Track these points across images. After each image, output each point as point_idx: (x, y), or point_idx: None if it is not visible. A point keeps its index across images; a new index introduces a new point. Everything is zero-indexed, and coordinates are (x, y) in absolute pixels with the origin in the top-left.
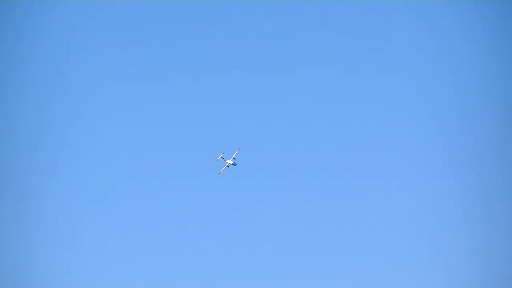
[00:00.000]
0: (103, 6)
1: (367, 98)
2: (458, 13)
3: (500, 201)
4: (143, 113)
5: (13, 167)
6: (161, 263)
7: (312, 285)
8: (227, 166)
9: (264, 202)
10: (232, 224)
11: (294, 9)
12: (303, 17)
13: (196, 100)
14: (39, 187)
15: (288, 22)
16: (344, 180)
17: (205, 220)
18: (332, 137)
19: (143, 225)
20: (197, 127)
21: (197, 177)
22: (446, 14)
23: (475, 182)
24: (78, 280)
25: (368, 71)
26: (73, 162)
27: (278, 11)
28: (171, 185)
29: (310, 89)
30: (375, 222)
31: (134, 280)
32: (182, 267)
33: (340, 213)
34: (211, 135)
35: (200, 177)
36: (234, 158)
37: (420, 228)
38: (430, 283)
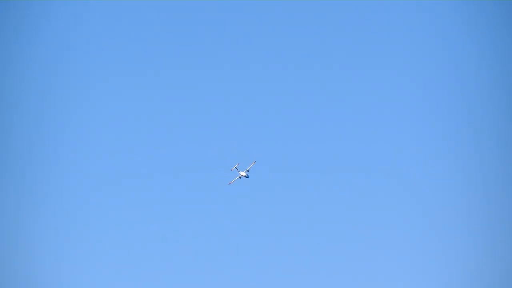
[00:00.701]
0: (103, 6)
1: (383, 108)
2: (457, 11)
3: (503, 201)
4: (158, 118)
5: (13, 167)
6: (163, 269)
7: None
8: (239, 177)
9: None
10: (238, 235)
11: (300, 10)
12: (313, 18)
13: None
14: (38, 187)
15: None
16: (358, 192)
17: (210, 227)
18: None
19: (147, 232)
20: (217, 135)
21: (207, 185)
22: (445, 13)
23: (476, 181)
24: (78, 280)
25: (372, 72)
26: (73, 162)
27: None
28: (180, 190)
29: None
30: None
31: (135, 280)
32: (183, 273)
33: (350, 229)
34: (230, 145)
35: (211, 186)
36: (247, 171)
37: (422, 228)
38: (431, 283)
